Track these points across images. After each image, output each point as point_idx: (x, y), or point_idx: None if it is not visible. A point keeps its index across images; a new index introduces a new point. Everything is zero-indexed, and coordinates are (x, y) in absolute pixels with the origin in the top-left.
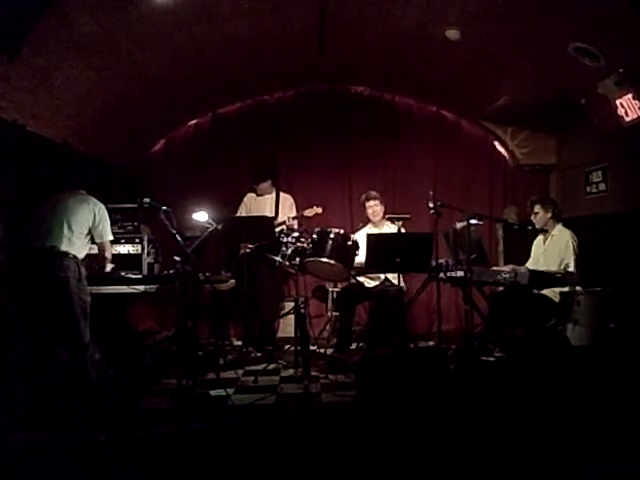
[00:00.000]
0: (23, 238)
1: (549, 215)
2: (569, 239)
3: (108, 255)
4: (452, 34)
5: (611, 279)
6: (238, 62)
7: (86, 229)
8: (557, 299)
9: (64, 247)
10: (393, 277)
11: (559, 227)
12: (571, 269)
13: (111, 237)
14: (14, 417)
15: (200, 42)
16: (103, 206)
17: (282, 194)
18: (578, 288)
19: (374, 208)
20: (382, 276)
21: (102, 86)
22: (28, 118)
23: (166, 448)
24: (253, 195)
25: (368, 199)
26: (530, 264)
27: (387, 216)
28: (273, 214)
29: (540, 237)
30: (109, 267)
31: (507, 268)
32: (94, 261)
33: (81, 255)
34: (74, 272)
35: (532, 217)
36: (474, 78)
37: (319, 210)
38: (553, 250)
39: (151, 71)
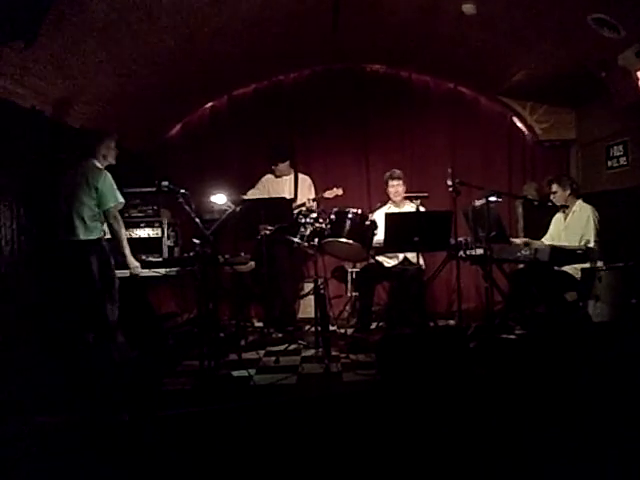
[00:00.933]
0: (49, 227)
1: (567, 192)
2: (590, 214)
3: (113, 222)
4: (468, 8)
5: (633, 254)
6: (253, 43)
7: (94, 205)
8: (578, 275)
9: (84, 236)
10: (412, 256)
11: (579, 203)
12: (591, 245)
13: (116, 201)
14: (39, 400)
15: (214, 24)
16: (103, 173)
17: (300, 175)
18: (599, 264)
19: (397, 188)
20: (401, 255)
21: (118, 71)
22: (46, 104)
23: (189, 428)
24: (271, 176)
25: (393, 178)
26: (546, 240)
27: (405, 195)
28: (292, 195)
29: (560, 214)
30: (126, 244)
31: (519, 241)
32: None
33: (103, 233)
34: (101, 256)
35: (551, 197)
36: (491, 53)
37: (339, 192)
38: (575, 226)
39: (166, 54)
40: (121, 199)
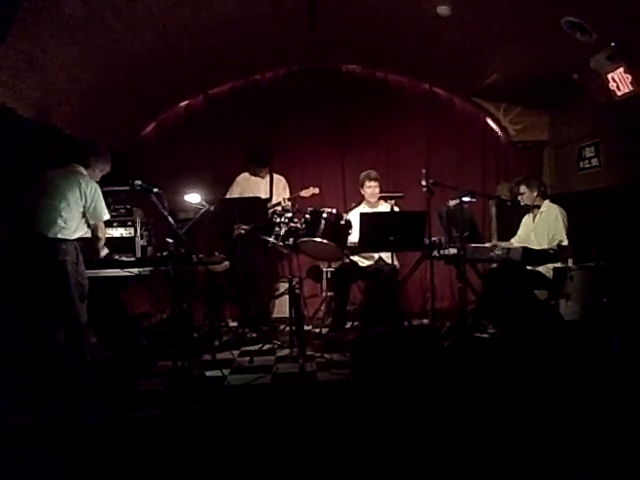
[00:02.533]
0: (18, 223)
1: (535, 194)
2: (558, 214)
3: (101, 235)
4: (443, 10)
5: (604, 254)
6: (228, 41)
7: (79, 211)
8: (550, 275)
9: (60, 234)
10: (387, 256)
11: (547, 203)
12: (565, 243)
13: (106, 217)
14: (11, 401)
15: (189, 21)
16: (96, 185)
17: (275, 175)
18: (571, 263)
19: (374, 189)
20: (376, 255)
21: (90, 68)
22: (17, 101)
23: (163, 429)
24: (247, 175)
25: (370, 179)
26: (515, 241)
27: (379, 195)
28: (267, 195)
29: (528, 216)
30: (104, 252)
31: (488, 244)
32: (89, 245)
33: (77, 235)
34: (72, 256)
35: (519, 197)
36: (466, 54)
37: (316, 190)
38: (543, 226)
39: (139, 52)
40: (107, 216)
